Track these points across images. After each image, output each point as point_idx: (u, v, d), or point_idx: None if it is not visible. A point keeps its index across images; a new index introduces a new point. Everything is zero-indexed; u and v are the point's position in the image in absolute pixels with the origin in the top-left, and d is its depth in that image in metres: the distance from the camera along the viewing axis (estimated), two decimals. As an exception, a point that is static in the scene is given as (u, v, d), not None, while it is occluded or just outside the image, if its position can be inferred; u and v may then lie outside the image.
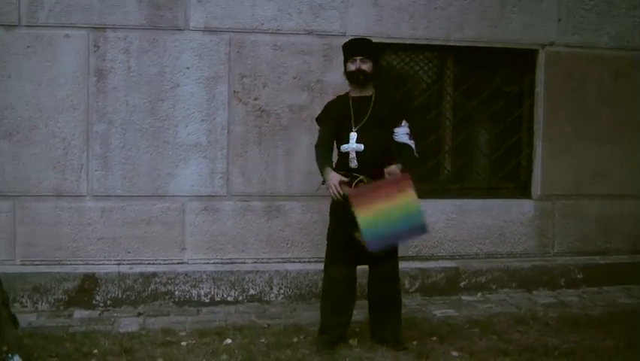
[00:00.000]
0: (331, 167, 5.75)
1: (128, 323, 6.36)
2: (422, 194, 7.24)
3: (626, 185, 7.90)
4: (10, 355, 4.82)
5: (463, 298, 7.28)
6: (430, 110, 7.66)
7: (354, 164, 5.63)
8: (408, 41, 7.39)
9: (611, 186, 7.86)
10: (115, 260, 6.94)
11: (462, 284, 7.40)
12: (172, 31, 6.94)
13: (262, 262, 7.15)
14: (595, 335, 6.09)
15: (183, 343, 5.77)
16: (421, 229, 5.54)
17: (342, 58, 5.89)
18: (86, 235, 6.90)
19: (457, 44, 7.48)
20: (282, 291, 7.05)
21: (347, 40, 6.20)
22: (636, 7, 7.82)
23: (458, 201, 7.57)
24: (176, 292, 6.89)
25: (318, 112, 6.09)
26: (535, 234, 7.73)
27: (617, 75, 7.81)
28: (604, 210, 7.86)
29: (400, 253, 6.00)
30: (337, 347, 5.67)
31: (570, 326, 6.34)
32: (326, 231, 5.92)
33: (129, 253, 6.97)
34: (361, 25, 7.20)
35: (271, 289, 7.04)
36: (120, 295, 6.80)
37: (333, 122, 5.83)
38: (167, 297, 6.88)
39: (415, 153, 5.79)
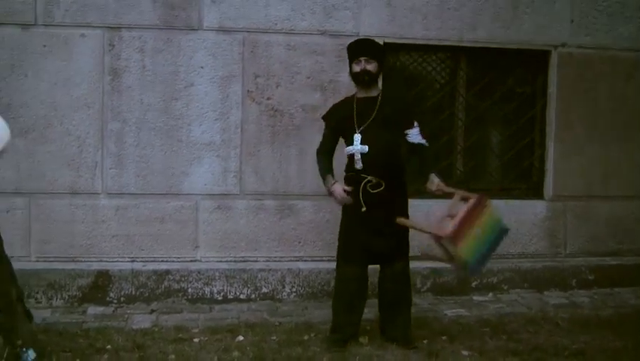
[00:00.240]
0: (331, 175, 5.84)
1: (141, 319, 6.41)
2: (434, 194, 7.34)
3: (639, 186, 7.89)
4: (24, 349, 4.88)
5: (475, 298, 7.30)
6: (443, 110, 7.68)
7: (359, 165, 5.65)
8: (420, 42, 7.42)
9: (623, 188, 7.86)
10: (129, 257, 7.01)
11: (473, 284, 7.41)
12: (186, 30, 6.99)
13: (274, 261, 7.19)
14: (605, 335, 6.09)
15: (195, 340, 5.82)
16: (505, 232, 5.52)
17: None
18: (100, 233, 6.97)
19: (470, 45, 7.49)
20: (294, 289, 7.08)
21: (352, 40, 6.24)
22: (648, 7, 7.83)
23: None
24: (189, 290, 6.94)
25: (331, 112, 6.14)
26: (546, 235, 7.74)
27: (629, 76, 7.81)
28: (616, 212, 7.86)
29: (412, 253, 6.01)
30: (348, 345, 5.69)
31: (580, 327, 6.34)
32: (338, 230, 5.92)
33: (143, 250, 7.03)
34: (374, 25, 7.23)
35: (283, 287, 7.08)
36: (133, 292, 6.85)
37: (336, 124, 5.87)
38: (180, 294, 6.93)
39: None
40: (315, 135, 6.35)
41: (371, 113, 5.68)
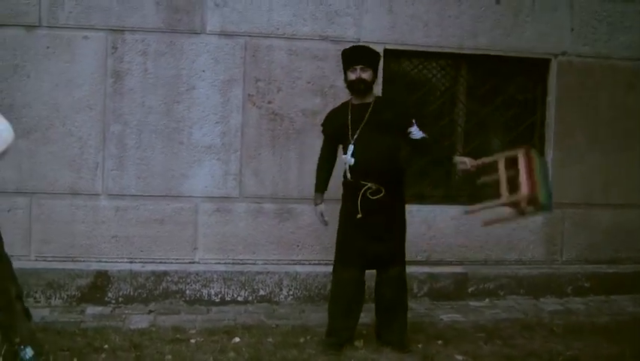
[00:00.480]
0: (322, 192, 6.02)
1: (138, 320, 6.46)
2: (433, 200, 7.39)
3: (637, 195, 7.91)
4: (22, 346, 4.90)
5: (471, 303, 7.33)
6: (443, 117, 7.72)
7: (349, 176, 5.72)
8: (421, 48, 7.46)
9: (622, 196, 7.88)
10: (127, 258, 7.05)
11: (470, 290, 7.45)
12: (189, 34, 7.04)
13: (272, 264, 7.23)
14: (600, 342, 6.11)
15: (192, 340, 5.86)
16: (546, 162, 5.79)
17: None
18: (100, 233, 7.01)
19: (471, 52, 7.53)
20: (291, 292, 7.13)
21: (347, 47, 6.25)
22: (649, 18, 7.87)
23: (468, 208, 7.60)
24: (187, 291, 6.99)
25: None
26: (543, 242, 7.77)
27: (629, 85, 7.84)
28: (613, 220, 7.88)
29: (409, 258, 6.07)
30: (343, 348, 5.72)
31: (575, 334, 6.37)
32: (336, 234, 5.94)
33: (142, 251, 7.07)
34: (375, 32, 7.28)
35: (281, 290, 7.13)
36: (132, 293, 6.90)
37: (333, 131, 5.92)
38: (178, 296, 6.98)
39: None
40: (315, 140, 6.40)
41: (364, 120, 5.71)
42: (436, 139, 6.50)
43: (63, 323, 6.22)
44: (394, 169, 5.76)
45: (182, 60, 7.05)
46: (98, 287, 6.85)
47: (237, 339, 5.91)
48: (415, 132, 5.78)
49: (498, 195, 5.41)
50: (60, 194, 6.94)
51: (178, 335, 5.97)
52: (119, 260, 7.03)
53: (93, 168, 6.98)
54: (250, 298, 7.08)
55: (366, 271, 5.87)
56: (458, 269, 7.51)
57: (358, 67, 5.70)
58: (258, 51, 7.16)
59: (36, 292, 6.74)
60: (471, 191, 7.61)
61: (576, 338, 6.23)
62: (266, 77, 7.19)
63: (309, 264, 7.27)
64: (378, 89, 6.48)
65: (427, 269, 7.38)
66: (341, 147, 5.91)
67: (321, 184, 6.03)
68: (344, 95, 6.58)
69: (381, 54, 6.47)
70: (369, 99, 5.79)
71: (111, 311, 6.71)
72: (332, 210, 5.99)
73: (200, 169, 7.12)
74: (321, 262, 7.11)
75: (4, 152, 4.72)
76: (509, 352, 5.83)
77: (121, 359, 5.39)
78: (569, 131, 7.73)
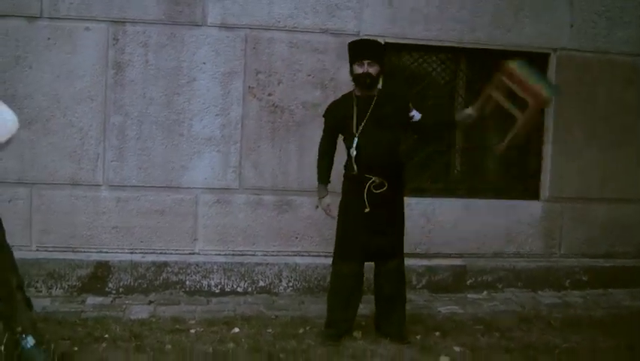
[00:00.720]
0: (326, 183, 5.97)
1: (139, 310, 6.49)
2: (431, 193, 7.42)
3: (635, 189, 7.94)
4: (24, 336, 4.93)
5: (469, 296, 7.37)
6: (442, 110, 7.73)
7: (355, 169, 5.70)
8: (421, 42, 7.47)
9: (620, 191, 7.91)
10: (128, 249, 7.08)
11: (468, 282, 7.49)
12: (190, 26, 7.06)
13: (272, 255, 7.26)
14: (597, 335, 6.15)
15: (192, 331, 5.90)
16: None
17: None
18: (101, 224, 7.04)
19: (470, 46, 7.55)
20: (290, 284, 7.17)
21: (355, 39, 6.26)
22: (649, 13, 7.89)
23: (467, 201, 7.65)
24: (187, 282, 7.03)
25: (331, 110, 6.18)
26: (542, 235, 7.80)
27: (628, 81, 7.85)
28: (611, 214, 7.91)
29: (408, 250, 6.11)
30: (342, 339, 5.76)
31: (572, 326, 6.40)
32: (335, 226, 5.95)
33: (142, 242, 7.10)
34: (375, 25, 7.29)
35: (280, 281, 7.16)
36: (132, 283, 6.93)
37: (336, 122, 5.89)
38: (178, 286, 7.01)
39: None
40: (315, 132, 6.41)
41: (367, 113, 5.72)
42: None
43: (64, 312, 6.26)
44: (396, 163, 5.80)
45: (182, 52, 7.07)
46: (98, 278, 6.89)
47: (237, 330, 5.95)
48: (416, 115, 5.81)
49: (513, 122, 5.60)
50: (61, 184, 6.97)
51: (178, 326, 6.01)
52: (120, 251, 7.06)
53: (94, 159, 7.00)
54: (250, 289, 7.11)
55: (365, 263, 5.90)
56: (457, 262, 7.54)
57: (366, 61, 5.66)
58: (259, 43, 7.17)
59: (37, 282, 6.78)
60: (470, 184, 7.68)
61: (573, 331, 6.26)
62: (266, 70, 7.21)
63: (309, 255, 7.30)
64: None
65: (425, 262, 7.41)
66: (342, 138, 5.92)
67: (325, 176, 5.99)
68: (344, 88, 6.60)
69: (382, 47, 6.49)
70: (373, 92, 5.78)
71: (111, 301, 6.75)
72: (331, 204, 6.00)
73: (201, 161, 7.15)
74: (321, 253, 7.13)
75: (8, 141, 4.74)
76: (507, 344, 5.87)
77: (121, 348, 5.42)
78: (567, 126, 7.75)
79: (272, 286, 7.15)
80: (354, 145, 5.68)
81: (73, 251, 6.99)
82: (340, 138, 5.94)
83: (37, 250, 6.95)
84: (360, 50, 5.79)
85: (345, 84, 6.85)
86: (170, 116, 7.08)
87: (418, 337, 5.93)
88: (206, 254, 7.18)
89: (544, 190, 7.80)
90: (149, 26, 7.00)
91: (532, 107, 5.47)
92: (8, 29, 6.79)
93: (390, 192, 5.70)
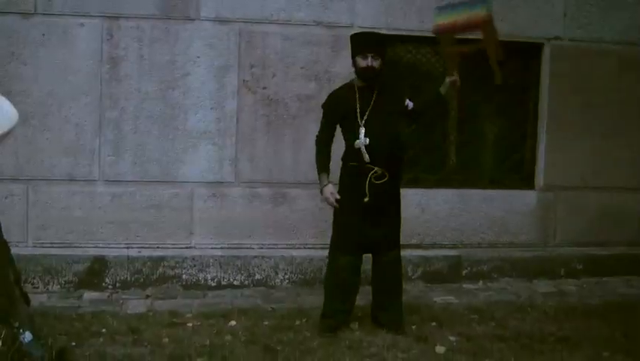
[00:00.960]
0: (327, 173, 5.87)
1: (136, 304, 6.52)
2: (427, 184, 7.45)
3: (629, 178, 7.99)
4: (21, 330, 4.94)
5: (465, 286, 7.41)
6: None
7: (367, 158, 5.65)
8: (415, 33, 7.47)
9: (614, 179, 7.95)
10: (124, 244, 7.11)
11: (464, 272, 7.52)
12: (184, 20, 7.08)
13: (268, 248, 7.29)
14: (591, 323, 6.19)
15: (189, 324, 5.92)
16: None
17: (348, 50, 5.88)
18: (97, 219, 7.07)
19: (464, 37, 7.53)
20: (287, 276, 7.19)
21: (356, 31, 6.28)
22: (641, 2, 7.90)
23: (462, 191, 7.69)
24: (184, 276, 7.05)
25: (326, 101, 6.17)
26: (537, 224, 7.84)
27: (621, 69, 7.87)
28: (606, 203, 7.95)
29: (404, 241, 6.10)
30: (339, 330, 5.78)
31: (567, 315, 6.43)
32: (331, 218, 5.97)
33: (138, 236, 7.13)
34: (369, 17, 7.30)
35: (277, 274, 7.19)
36: (129, 278, 6.96)
37: (337, 114, 5.85)
38: (174, 280, 7.04)
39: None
40: (310, 124, 6.44)
41: (370, 104, 5.71)
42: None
43: (61, 308, 6.28)
44: (397, 154, 5.82)
45: (177, 46, 7.09)
46: (95, 273, 6.91)
47: (234, 322, 5.97)
48: (410, 104, 5.82)
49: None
50: (57, 180, 6.99)
51: (175, 319, 6.03)
52: (116, 246, 7.08)
53: (90, 155, 7.02)
54: (246, 282, 7.15)
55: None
56: (452, 252, 7.58)
57: (370, 55, 5.65)
58: (253, 37, 7.19)
59: (34, 278, 6.80)
60: (465, 174, 7.70)
61: (568, 320, 6.30)
62: (260, 63, 7.22)
63: (305, 248, 7.32)
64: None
65: (421, 252, 7.45)
66: (339, 129, 5.90)
67: (326, 165, 5.89)
68: (338, 80, 6.65)
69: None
70: (374, 83, 5.77)
71: (108, 296, 6.78)
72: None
73: (196, 155, 7.17)
74: (317, 245, 7.13)
75: (8, 133, 4.76)
76: (502, 333, 5.89)
77: (119, 343, 5.44)
78: (561, 115, 7.78)
79: (268, 279, 7.18)
80: (362, 134, 5.65)
81: (69, 247, 7.01)
82: (338, 130, 5.93)
83: (34, 246, 6.97)
84: (366, 42, 5.77)
85: (339, 76, 6.92)
86: (165, 111, 7.10)
87: (414, 327, 5.95)
88: (202, 248, 7.20)
89: (539, 180, 7.84)
90: (143, 21, 7.01)
91: (483, 33, 5.61)
92: (3, 26, 6.81)
93: (390, 183, 5.72)
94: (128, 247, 7.10)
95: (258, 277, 7.16)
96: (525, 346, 5.62)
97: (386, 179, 5.68)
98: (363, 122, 5.68)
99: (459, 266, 7.51)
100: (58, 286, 6.86)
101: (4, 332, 4.92)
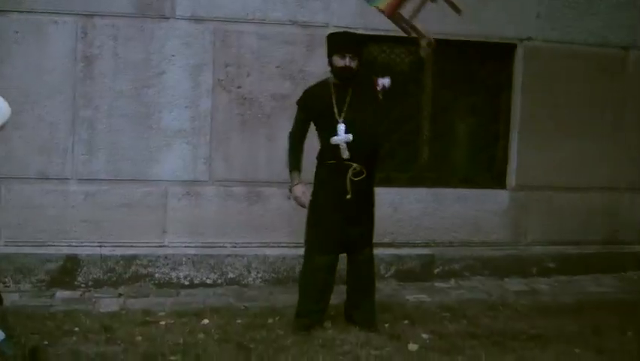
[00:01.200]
0: (299, 171, 5.87)
1: (108, 303, 6.50)
2: (399, 182, 7.47)
3: (600, 178, 8.08)
4: (-6, 330, 4.95)
5: (437, 284, 7.45)
6: (410, 100, 7.76)
7: (346, 155, 5.64)
8: (389, 34, 7.46)
9: (585, 179, 8.04)
10: (97, 242, 7.08)
11: (436, 271, 7.57)
12: (159, 19, 7.06)
13: (242, 247, 7.29)
14: (563, 321, 6.24)
15: (162, 322, 5.91)
16: None
17: (324, 49, 5.89)
18: (70, 218, 7.04)
19: (437, 37, 7.58)
20: (260, 275, 7.20)
21: (331, 30, 6.31)
22: (614, 4, 7.96)
23: (434, 190, 7.73)
24: (157, 275, 7.05)
25: (301, 101, 6.17)
26: (509, 223, 7.90)
27: (594, 71, 7.96)
28: (577, 202, 8.02)
29: (376, 240, 6.11)
30: (312, 329, 5.79)
31: (539, 313, 6.49)
32: (305, 217, 5.92)
33: (111, 235, 7.10)
34: (344, 16, 7.31)
35: (249, 272, 7.20)
36: (102, 277, 6.94)
37: (312, 111, 5.85)
38: (147, 279, 7.03)
39: None
40: (285, 123, 6.44)
41: (346, 100, 5.71)
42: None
43: (33, 307, 6.25)
44: (375, 150, 5.82)
45: (151, 45, 7.07)
46: (67, 271, 6.89)
47: (206, 321, 5.96)
48: (385, 80, 5.79)
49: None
50: (30, 179, 6.95)
51: (148, 318, 6.02)
52: (89, 244, 7.05)
53: (63, 153, 6.99)
54: (219, 280, 7.15)
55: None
56: (424, 251, 7.62)
57: (348, 55, 5.66)
58: (228, 36, 7.19)
59: (6, 276, 6.76)
60: (438, 173, 7.74)
61: (540, 317, 6.36)
62: (235, 62, 7.23)
63: (278, 247, 7.33)
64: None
65: (393, 251, 7.48)
66: (314, 127, 5.89)
67: (297, 163, 5.88)
68: (313, 80, 6.60)
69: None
70: (350, 81, 5.76)
71: (81, 295, 6.75)
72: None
73: (170, 153, 7.16)
74: (290, 244, 7.16)
75: (1, 127, 4.77)
76: (474, 330, 5.93)
77: (92, 341, 5.42)
78: (534, 115, 7.84)
79: (241, 278, 7.19)
80: (342, 131, 5.65)
81: (42, 245, 6.97)
82: (312, 129, 5.92)
83: (6, 245, 6.93)
84: (343, 43, 5.77)
85: (314, 75, 6.89)
86: (139, 109, 7.08)
87: (387, 325, 5.98)
88: (175, 246, 7.19)
89: (511, 179, 7.90)
90: (118, 19, 6.99)
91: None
92: (-25, 23, 6.77)
93: (367, 181, 5.74)
94: (101, 246, 7.07)
95: (231, 275, 7.16)
96: (497, 343, 5.65)
97: (364, 176, 5.68)
98: (342, 118, 5.68)
99: (431, 265, 7.55)
100: (30, 285, 6.82)
101: (-25, 331, 4.92)
